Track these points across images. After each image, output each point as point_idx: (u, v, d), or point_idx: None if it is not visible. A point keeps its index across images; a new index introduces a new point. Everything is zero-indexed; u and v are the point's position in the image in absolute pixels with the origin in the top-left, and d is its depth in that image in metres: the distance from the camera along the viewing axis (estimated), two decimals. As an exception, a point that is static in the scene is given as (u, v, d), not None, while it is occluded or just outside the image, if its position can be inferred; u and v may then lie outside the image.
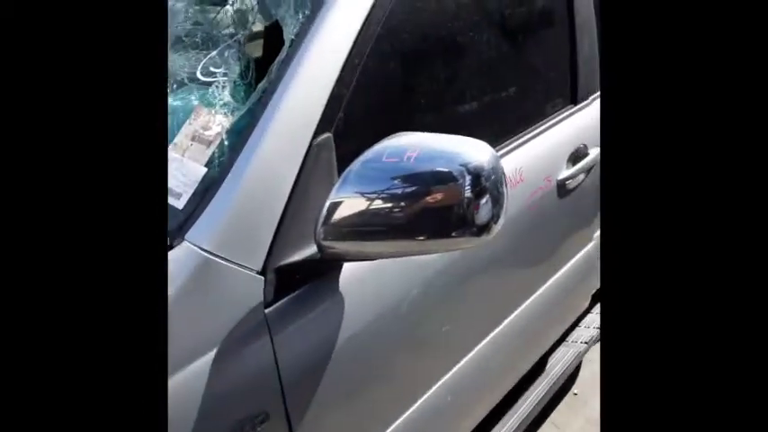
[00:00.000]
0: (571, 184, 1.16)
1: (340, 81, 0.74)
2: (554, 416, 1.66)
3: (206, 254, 0.63)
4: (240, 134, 0.70)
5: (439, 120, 0.91)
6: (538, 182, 1.07)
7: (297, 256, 0.71)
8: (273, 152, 0.69)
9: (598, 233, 1.38)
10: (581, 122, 1.20)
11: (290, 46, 0.75)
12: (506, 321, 1.10)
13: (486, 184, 0.64)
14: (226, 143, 0.71)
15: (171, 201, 0.69)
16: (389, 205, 0.65)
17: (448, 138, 0.66)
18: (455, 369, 0.98)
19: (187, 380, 0.60)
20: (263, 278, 0.67)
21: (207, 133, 0.73)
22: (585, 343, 1.53)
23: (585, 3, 1.19)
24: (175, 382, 0.59)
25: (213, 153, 0.71)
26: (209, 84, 0.81)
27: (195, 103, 0.79)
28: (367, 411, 0.84)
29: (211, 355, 0.62)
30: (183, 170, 0.71)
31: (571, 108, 1.20)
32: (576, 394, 1.74)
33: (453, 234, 0.65)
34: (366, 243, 0.66)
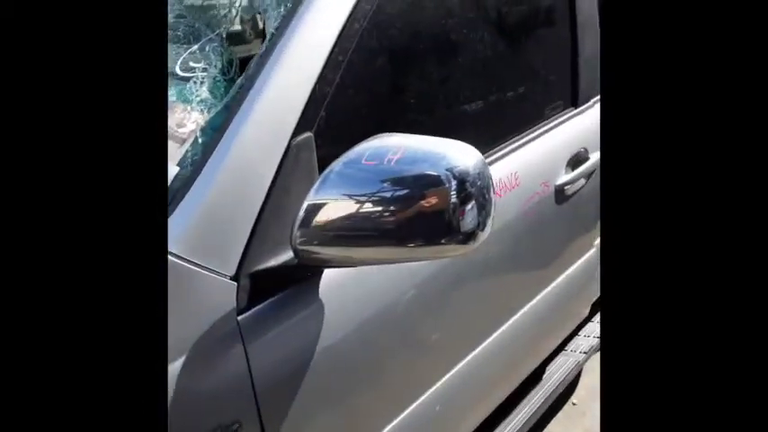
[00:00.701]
0: (570, 189, 1.12)
1: (322, 78, 0.70)
2: (552, 426, 1.62)
3: (175, 258, 0.60)
4: (215, 132, 0.67)
5: (429, 121, 0.87)
6: (534, 187, 1.03)
7: (273, 262, 0.67)
8: (249, 151, 0.65)
9: (599, 240, 1.34)
10: (581, 126, 1.16)
11: (269, 40, 0.71)
12: (501, 329, 1.07)
13: (472, 189, 0.61)
14: (200, 141, 0.68)
15: (141, 201, 0.66)
16: (370, 209, 0.61)
17: (432, 140, 0.63)
18: (445, 378, 0.95)
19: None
20: (235, 284, 0.64)
21: (181, 131, 0.70)
22: (585, 353, 1.49)
23: (588, 2, 1.15)
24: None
25: (186, 151, 0.68)
26: (188, 79, 0.78)
27: (172, 99, 0.76)
28: (348, 422, 0.80)
29: (181, 362, 0.59)
30: (155, 169, 0.67)
31: (571, 111, 1.16)
32: (574, 404, 1.69)
33: (439, 241, 0.62)
34: (346, 248, 0.63)
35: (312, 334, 0.71)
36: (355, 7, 0.74)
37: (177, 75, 0.81)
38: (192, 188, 0.63)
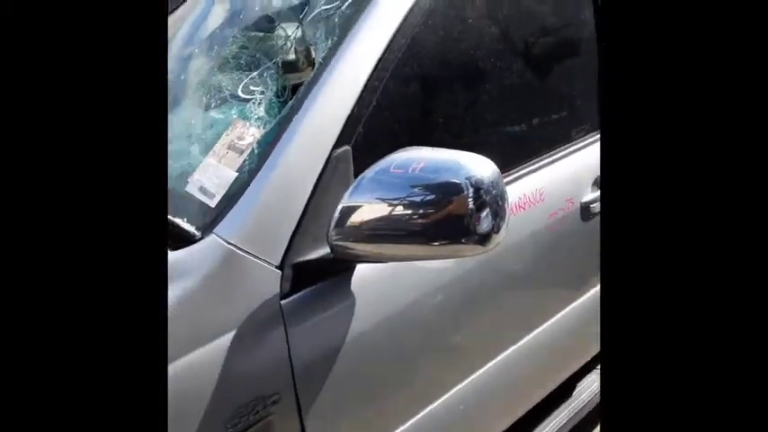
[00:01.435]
0: (596, 207, 1.17)
1: (360, 100, 0.81)
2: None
3: (231, 246, 0.71)
4: (268, 144, 0.79)
5: (457, 140, 0.96)
6: (558, 203, 1.09)
7: (312, 255, 0.78)
8: (296, 161, 0.77)
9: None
10: (608, 147, 1.21)
11: (317, 68, 0.84)
12: (526, 339, 1.11)
13: (487, 197, 0.69)
14: (256, 152, 0.80)
15: (205, 200, 0.79)
16: (398, 212, 0.70)
17: (452, 152, 0.72)
18: (469, 379, 1.01)
19: (205, 357, 0.68)
20: (280, 272, 0.74)
21: (241, 143, 0.83)
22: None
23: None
24: (195, 358, 0.67)
25: (245, 160, 0.80)
26: (248, 101, 0.92)
27: (234, 116, 0.90)
28: (374, 409, 0.88)
29: (230, 336, 0.70)
30: (218, 174, 0.80)
31: (598, 133, 1.21)
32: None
33: (458, 241, 0.70)
34: (376, 245, 0.72)
35: (344, 322, 0.80)
36: (392, 41, 0.85)
37: (239, 97, 0.95)
38: (248, 191, 0.75)
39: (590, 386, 1.45)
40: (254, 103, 0.92)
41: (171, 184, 0.84)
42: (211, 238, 0.72)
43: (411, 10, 0.88)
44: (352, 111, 0.81)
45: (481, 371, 1.03)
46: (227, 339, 0.70)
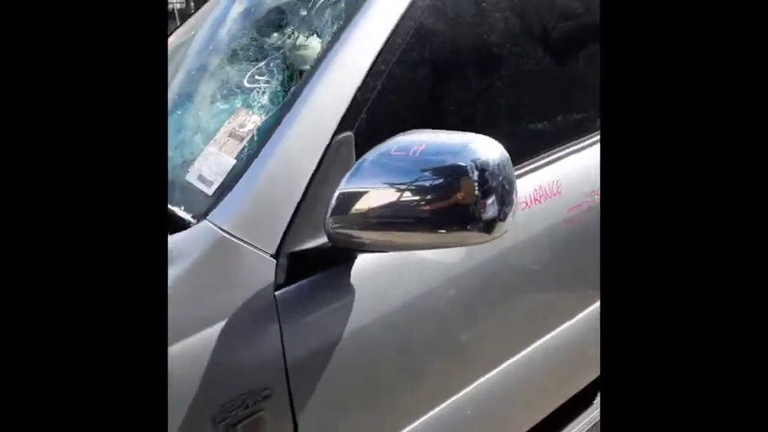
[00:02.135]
0: (620, 202, 1.10)
1: (364, 86, 0.78)
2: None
3: (224, 233, 0.69)
4: (267, 131, 0.77)
5: (467, 127, 0.91)
6: (578, 196, 1.03)
7: (311, 244, 0.74)
8: (295, 147, 0.74)
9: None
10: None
11: (320, 54, 0.81)
12: (543, 340, 1.05)
13: (493, 182, 0.64)
14: (255, 139, 0.78)
15: (203, 188, 0.77)
16: (399, 198, 0.67)
17: (456, 134, 0.68)
18: (478, 382, 0.95)
19: (194, 347, 0.65)
20: (275, 261, 0.71)
21: (241, 130, 0.81)
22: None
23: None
24: (183, 347, 0.64)
25: (243, 147, 0.78)
26: (253, 90, 0.90)
27: (237, 105, 0.88)
28: (372, 411, 0.84)
29: (220, 326, 0.67)
30: (217, 162, 0.78)
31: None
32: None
33: (462, 229, 0.65)
34: (372, 232, 0.68)
35: (343, 315, 0.76)
36: (398, 25, 0.82)
37: (244, 87, 0.93)
38: (243, 177, 0.73)
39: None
40: (258, 92, 0.90)
41: (173, 174, 0.82)
42: (203, 224, 0.70)
43: (419, -8, 0.84)
44: (355, 96, 0.78)
45: (491, 374, 0.97)
46: (217, 329, 0.67)
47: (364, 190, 0.68)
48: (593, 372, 1.24)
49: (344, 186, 0.69)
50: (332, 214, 0.69)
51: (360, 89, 0.78)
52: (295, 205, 0.73)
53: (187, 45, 1.20)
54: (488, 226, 0.66)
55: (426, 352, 0.87)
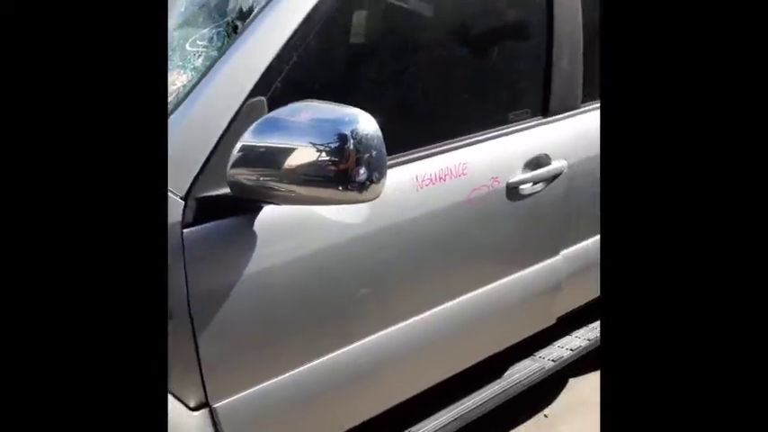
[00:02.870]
0: (525, 189, 1.21)
1: (280, 56, 0.89)
2: (518, 432, 1.65)
3: (138, 173, 0.80)
4: (191, 90, 0.87)
5: (379, 106, 1.01)
6: (482, 179, 1.14)
7: (218, 192, 0.86)
8: (210, 105, 0.85)
9: (566, 250, 1.40)
10: (548, 133, 1.25)
11: (245, 24, 0.91)
12: (444, 306, 1.17)
13: (366, 151, 0.76)
14: (179, 95, 0.89)
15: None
16: (287, 155, 0.78)
17: (341, 107, 0.79)
18: (371, 338, 1.07)
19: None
20: (183, 203, 0.83)
21: (171, 87, 0.91)
22: (553, 361, 1.53)
23: (569, 19, 1.25)
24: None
25: (169, 102, 0.89)
26: (192, 53, 1.00)
27: (176, 65, 0.98)
28: (268, 349, 0.96)
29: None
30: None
31: (539, 119, 1.25)
32: (546, 416, 1.72)
33: (338, 188, 0.77)
34: (268, 183, 0.80)
35: (243, 257, 0.88)
36: (318, 3, 0.92)
37: (186, 49, 1.04)
38: (164, 127, 0.83)
39: (522, 369, 1.49)
40: (195, 55, 1.00)
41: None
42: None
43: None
44: (271, 64, 0.88)
45: (392, 328, 1.09)
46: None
47: (261, 145, 0.79)
48: (484, 350, 1.34)
49: (245, 140, 0.80)
50: (232, 166, 0.81)
51: (276, 59, 0.89)
52: (206, 156, 0.84)
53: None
54: (362, 186, 0.77)
55: (323, 300, 0.99)
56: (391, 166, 1.01)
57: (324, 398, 1.04)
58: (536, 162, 1.22)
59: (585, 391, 1.79)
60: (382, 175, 0.78)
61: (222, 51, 0.90)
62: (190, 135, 0.84)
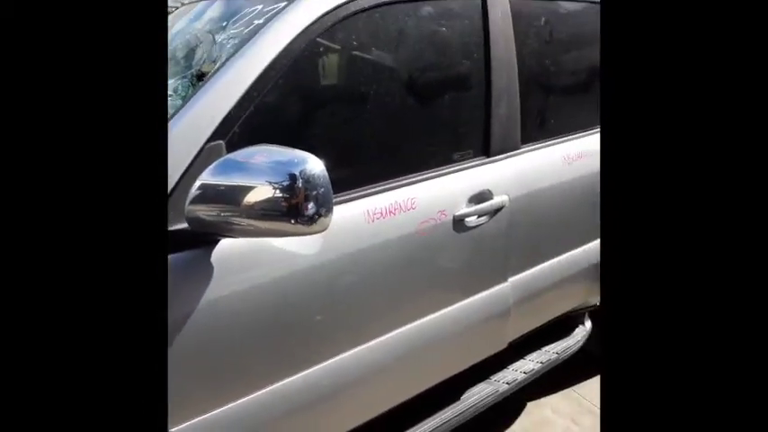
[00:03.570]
0: (471, 222, 1.32)
1: (239, 105, 0.99)
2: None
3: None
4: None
5: (331, 150, 1.12)
6: (430, 212, 1.24)
7: (177, 227, 0.93)
8: (172, 148, 0.93)
9: (513, 278, 1.50)
10: (490, 171, 1.38)
11: (208, 76, 1.01)
12: (398, 331, 1.24)
13: (315, 187, 0.85)
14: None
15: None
16: (244, 193, 0.86)
17: (291, 150, 0.88)
18: (330, 361, 1.13)
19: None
20: (145, 238, 0.89)
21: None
22: (507, 383, 1.60)
23: (505, 73, 1.40)
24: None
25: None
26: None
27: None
28: (228, 372, 1.01)
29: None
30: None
31: (482, 159, 1.38)
32: (505, 441, 1.77)
33: (291, 221, 0.86)
34: (224, 219, 0.87)
35: (200, 286, 0.94)
36: (274, 61, 1.03)
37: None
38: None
39: (477, 393, 1.56)
40: (160, 102, 1.09)
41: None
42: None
43: (297, 37, 1.06)
44: (230, 112, 0.98)
45: (338, 357, 1.15)
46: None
47: (220, 183, 0.88)
48: (439, 374, 1.41)
49: (203, 178, 0.88)
50: (191, 202, 0.88)
51: (235, 107, 0.98)
52: (166, 194, 0.92)
53: None
54: (311, 220, 0.86)
55: (278, 328, 1.05)
56: (344, 201, 1.12)
57: (282, 422, 1.09)
58: (480, 197, 1.34)
59: (543, 414, 1.86)
60: (329, 209, 0.88)
61: (186, 100, 0.99)
62: (153, 176, 0.91)
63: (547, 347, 1.78)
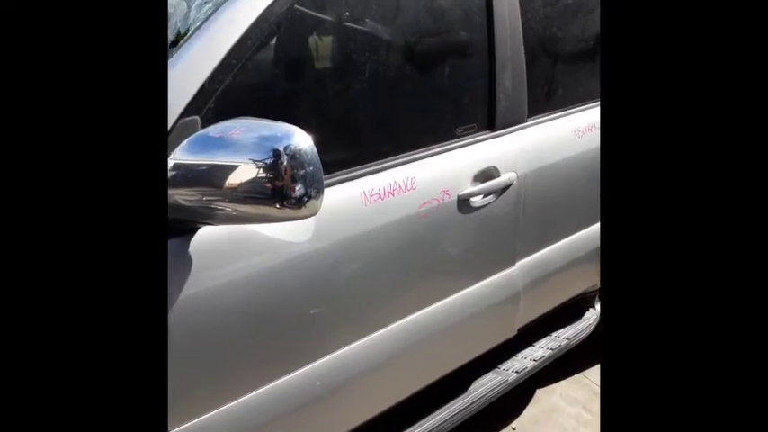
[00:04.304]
0: (476, 202, 1.22)
1: (213, 77, 0.87)
2: (484, 446, 1.63)
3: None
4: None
5: (319, 125, 1.01)
6: (432, 193, 1.14)
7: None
8: (141, 125, 0.82)
9: (522, 261, 1.40)
10: (496, 147, 1.27)
11: (180, 44, 0.90)
12: (402, 321, 1.15)
13: (301, 167, 0.74)
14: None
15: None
16: (220, 174, 0.76)
17: (274, 123, 0.77)
18: (330, 356, 1.04)
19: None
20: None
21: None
22: (517, 372, 1.52)
23: (510, 40, 1.28)
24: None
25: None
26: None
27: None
28: (218, 371, 0.91)
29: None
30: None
31: (486, 133, 1.27)
32: (513, 429, 1.70)
33: (276, 205, 0.75)
34: (203, 205, 0.77)
35: (178, 281, 0.84)
36: (252, 26, 0.91)
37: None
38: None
39: (485, 383, 1.48)
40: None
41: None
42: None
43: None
44: (203, 85, 0.86)
45: (339, 352, 1.06)
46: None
47: (194, 163, 0.77)
48: (446, 365, 1.33)
49: (176, 156, 0.77)
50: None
51: (209, 80, 0.87)
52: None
53: None
54: (299, 203, 0.76)
55: (269, 322, 0.96)
56: (337, 183, 1.01)
57: (280, 421, 1.00)
58: (485, 174, 1.23)
59: (553, 401, 1.79)
60: (320, 191, 0.77)
61: (154, 71, 0.88)
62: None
63: (557, 333, 1.69)
